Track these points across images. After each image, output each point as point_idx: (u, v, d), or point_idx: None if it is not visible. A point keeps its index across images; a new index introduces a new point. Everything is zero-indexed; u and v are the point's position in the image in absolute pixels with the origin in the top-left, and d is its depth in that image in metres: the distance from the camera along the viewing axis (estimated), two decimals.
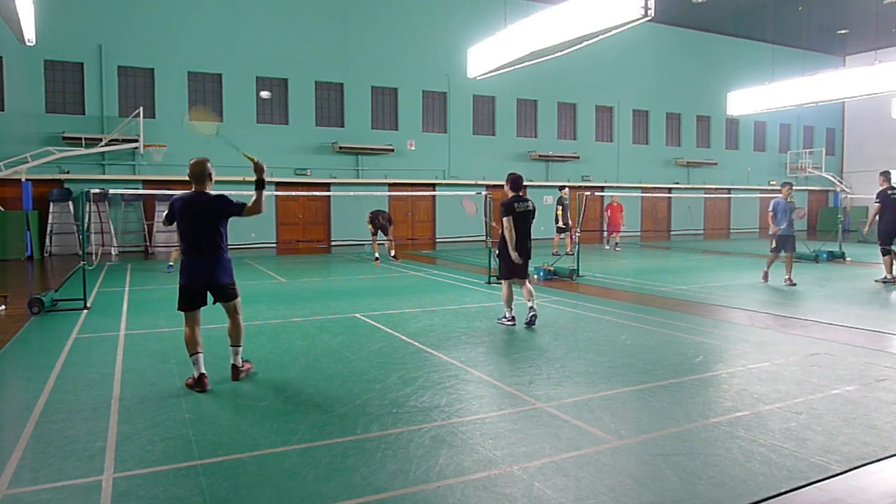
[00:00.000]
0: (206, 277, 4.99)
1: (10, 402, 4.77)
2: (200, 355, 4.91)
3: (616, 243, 19.42)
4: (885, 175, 11.34)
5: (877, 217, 11.39)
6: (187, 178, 5.08)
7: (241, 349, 5.22)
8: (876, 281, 11.35)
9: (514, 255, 7.18)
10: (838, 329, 7.17)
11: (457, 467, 3.43)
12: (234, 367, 5.18)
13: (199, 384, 4.83)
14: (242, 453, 3.64)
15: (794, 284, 10.73)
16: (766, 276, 11.22)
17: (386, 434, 3.91)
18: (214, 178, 5.13)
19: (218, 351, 5.72)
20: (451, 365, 5.62)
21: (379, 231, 15.09)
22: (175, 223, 5.08)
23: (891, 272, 11.11)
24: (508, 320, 7.36)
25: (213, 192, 5.07)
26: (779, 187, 11.22)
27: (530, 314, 7.29)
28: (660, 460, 3.52)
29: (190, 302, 5.01)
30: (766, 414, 4.28)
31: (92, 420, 4.18)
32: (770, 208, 11.08)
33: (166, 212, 5.13)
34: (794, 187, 11.58)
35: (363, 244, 18.78)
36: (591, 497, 3.08)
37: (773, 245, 11.10)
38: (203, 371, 4.88)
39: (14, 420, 4.22)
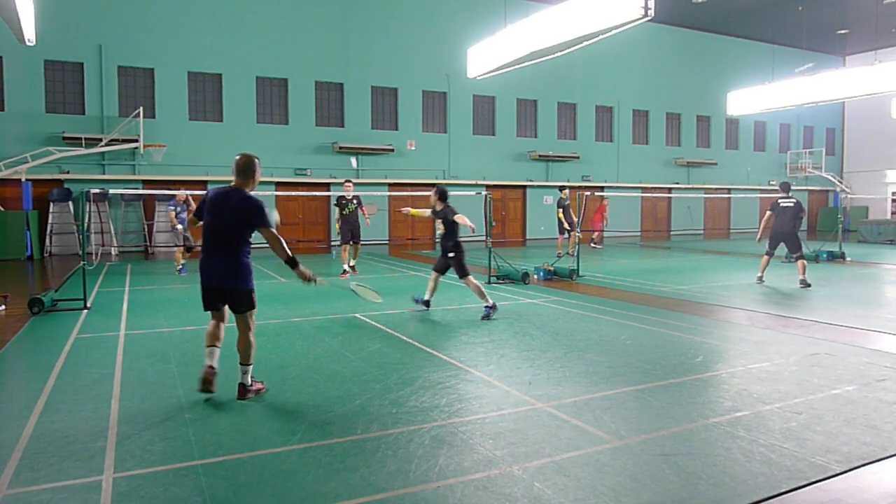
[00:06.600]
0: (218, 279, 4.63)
1: (10, 402, 4.76)
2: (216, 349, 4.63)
3: (591, 240, 20.21)
4: (785, 186, 11.29)
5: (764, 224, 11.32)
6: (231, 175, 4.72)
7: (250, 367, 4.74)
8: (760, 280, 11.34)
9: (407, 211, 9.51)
10: (838, 329, 7.17)
11: (457, 467, 3.43)
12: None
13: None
14: (242, 453, 3.64)
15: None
16: None
17: (386, 434, 3.91)
18: (259, 179, 4.74)
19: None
20: (451, 365, 5.62)
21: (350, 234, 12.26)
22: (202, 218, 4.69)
23: (762, 272, 11.14)
24: (423, 305, 8.62)
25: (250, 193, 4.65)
26: (776, 186, 11.18)
27: (485, 310, 8.08)
28: (660, 460, 3.52)
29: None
30: (766, 414, 4.28)
31: (92, 420, 4.18)
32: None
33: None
34: (794, 187, 11.50)
35: (366, 244, 18.67)
36: (590, 497, 3.09)
37: None
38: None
39: (14, 420, 4.22)
